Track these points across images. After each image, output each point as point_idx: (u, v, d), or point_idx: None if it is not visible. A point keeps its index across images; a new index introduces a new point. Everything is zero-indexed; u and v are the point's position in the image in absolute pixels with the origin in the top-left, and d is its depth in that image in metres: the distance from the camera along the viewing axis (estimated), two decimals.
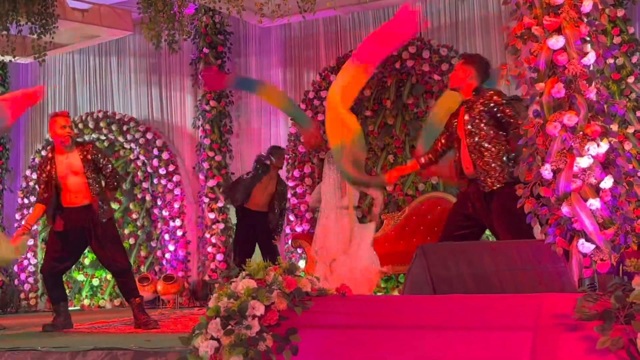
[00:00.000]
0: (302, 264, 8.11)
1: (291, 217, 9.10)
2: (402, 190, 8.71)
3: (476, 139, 4.74)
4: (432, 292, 3.15)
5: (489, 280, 3.28)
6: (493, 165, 4.67)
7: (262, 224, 8.08)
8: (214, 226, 9.30)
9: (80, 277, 10.23)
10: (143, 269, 9.83)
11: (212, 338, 2.93)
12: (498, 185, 4.63)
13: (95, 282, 10.22)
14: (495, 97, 4.74)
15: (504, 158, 4.67)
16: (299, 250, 8.63)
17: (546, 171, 3.58)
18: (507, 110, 4.68)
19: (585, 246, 3.44)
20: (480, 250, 3.48)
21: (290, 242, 8.74)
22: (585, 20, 3.69)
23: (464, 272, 3.26)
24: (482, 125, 4.73)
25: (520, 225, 4.54)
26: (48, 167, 5.80)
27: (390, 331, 2.72)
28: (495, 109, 4.70)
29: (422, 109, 8.76)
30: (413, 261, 3.40)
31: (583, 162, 3.50)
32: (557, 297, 2.58)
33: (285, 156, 8.66)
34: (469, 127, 4.80)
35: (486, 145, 4.71)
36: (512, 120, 4.66)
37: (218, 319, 2.95)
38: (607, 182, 3.49)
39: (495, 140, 4.70)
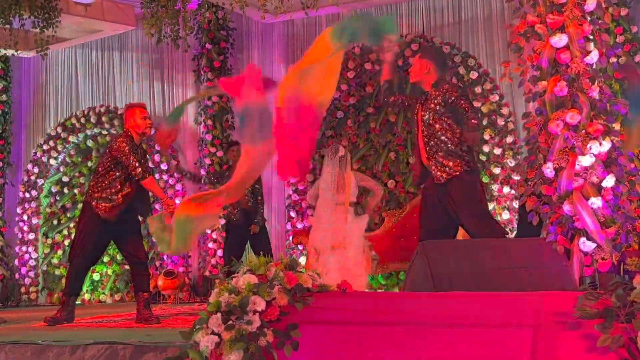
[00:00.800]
0: (302, 260, 8.11)
1: (292, 214, 9.10)
2: (404, 187, 8.71)
3: (431, 131, 4.81)
4: (432, 290, 3.15)
5: (490, 278, 3.28)
6: (448, 156, 4.74)
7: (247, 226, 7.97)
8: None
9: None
10: None
11: (213, 333, 2.93)
12: (454, 175, 4.69)
13: (96, 277, 10.22)
14: (451, 90, 4.80)
15: (459, 149, 4.74)
16: (300, 247, 8.64)
17: (548, 169, 3.59)
18: (462, 102, 4.74)
19: (586, 245, 3.45)
20: (481, 247, 3.48)
21: (291, 238, 8.75)
22: (589, 18, 3.69)
23: (464, 269, 3.26)
24: (438, 117, 4.79)
25: (483, 209, 4.67)
26: (138, 152, 5.79)
27: (391, 328, 2.72)
28: (450, 101, 4.75)
29: None
30: (414, 258, 3.40)
31: (585, 160, 3.50)
32: (557, 295, 2.58)
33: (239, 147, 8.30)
34: (425, 119, 4.85)
35: (441, 137, 4.76)
36: (467, 112, 4.72)
37: (219, 314, 2.95)
38: (609, 181, 3.49)
39: (450, 132, 4.77)
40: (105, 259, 10.05)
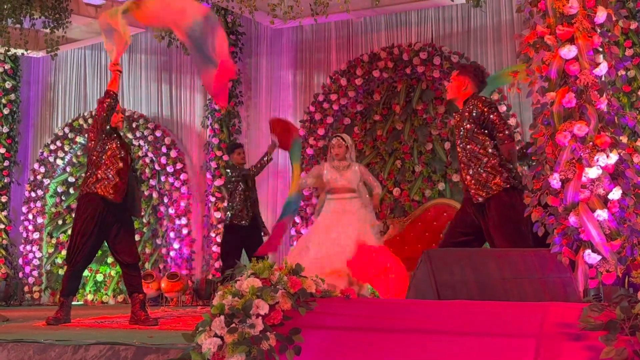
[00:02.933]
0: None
1: (297, 220, 9.10)
2: (409, 195, 8.71)
3: (467, 148, 4.71)
4: (436, 298, 3.15)
5: (494, 288, 3.27)
6: (484, 175, 4.63)
7: (249, 235, 7.99)
8: (219, 225, 9.30)
9: (84, 272, 10.24)
10: (148, 266, 9.86)
11: (216, 335, 2.93)
12: (491, 194, 4.58)
13: (99, 277, 10.24)
14: (479, 104, 4.70)
15: (496, 165, 4.63)
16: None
17: (554, 180, 3.58)
18: (491, 116, 4.65)
19: (591, 257, 3.44)
20: (486, 257, 3.48)
21: (295, 243, 8.75)
22: (599, 31, 3.69)
23: (468, 278, 3.25)
24: (472, 134, 4.70)
25: (518, 233, 4.53)
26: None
27: (394, 334, 2.72)
28: (480, 117, 4.67)
29: (431, 115, 8.76)
30: (418, 266, 3.40)
31: (592, 172, 3.49)
32: (561, 306, 2.58)
33: (244, 150, 8.30)
34: (460, 136, 4.78)
35: (477, 154, 4.67)
36: (497, 126, 4.63)
37: (222, 317, 2.96)
38: (616, 194, 3.49)
39: (484, 148, 4.66)
40: (110, 259, 10.06)
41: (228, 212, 7.94)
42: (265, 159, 8.11)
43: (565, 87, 3.64)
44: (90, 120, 10.40)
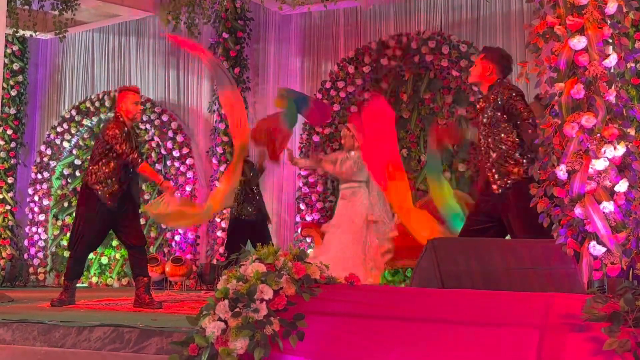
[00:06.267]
0: (310, 252, 8.12)
1: (302, 206, 9.11)
2: (415, 185, 8.71)
3: (489, 135, 4.67)
4: (440, 287, 3.15)
5: (498, 278, 3.27)
6: (505, 164, 4.61)
7: (256, 229, 8.05)
8: (224, 211, 9.31)
9: (89, 255, 10.27)
10: (152, 249, 9.89)
11: (220, 319, 2.94)
12: (511, 184, 4.56)
13: (104, 260, 10.28)
14: (505, 91, 4.63)
15: (518, 155, 4.61)
16: (308, 240, 8.65)
17: (561, 172, 3.57)
18: (517, 103, 4.58)
19: (596, 248, 3.43)
20: (491, 247, 3.47)
21: (300, 230, 8.77)
22: (609, 22, 3.66)
23: (473, 268, 3.25)
24: (495, 121, 4.66)
25: (538, 223, 4.50)
26: (131, 139, 5.81)
27: (397, 322, 2.73)
28: (506, 103, 4.60)
29: (438, 105, 8.74)
30: (422, 255, 3.40)
31: (599, 164, 3.48)
32: (566, 297, 2.58)
33: None
34: (484, 123, 4.75)
35: (499, 142, 4.64)
36: (523, 114, 4.55)
37: (226, 301, 2.96)
38: (622, 186, 3.47)
39: (507, 137, 4.62)
40: (114, 242, 10.09)
41: (233, 208, 7.99)
42: (260, 168, 8.19)
43: (574, 78, 3.62)
44: (97, 104, 10.41)
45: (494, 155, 4.65)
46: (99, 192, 5.69)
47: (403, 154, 8.82)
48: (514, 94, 4.62)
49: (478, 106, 4.92)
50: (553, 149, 3.66)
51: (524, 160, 4.58)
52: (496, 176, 4.62)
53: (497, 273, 3.28)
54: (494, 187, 4.62)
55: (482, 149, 4.74)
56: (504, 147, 4.60)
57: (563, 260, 3.51)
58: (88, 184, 5.76)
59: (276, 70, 9.95)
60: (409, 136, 8.85)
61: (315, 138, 9.13)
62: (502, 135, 4.62)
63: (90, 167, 5.79)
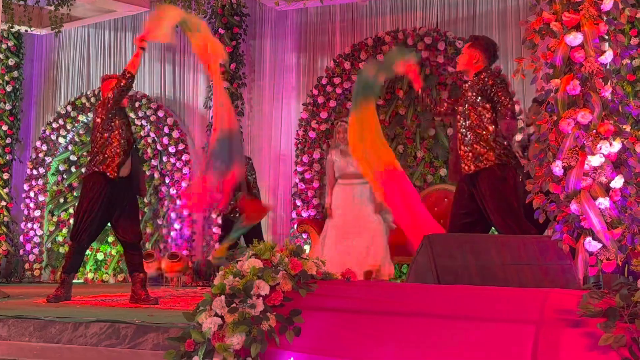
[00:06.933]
0: (307, 248, 8.13)
1: (298, 203, 9.12)
2: (411, 180, 8.71)
3: (467, 121, 4.78)
4: (436, 282, 3.16)
5: (494, 273, 3.28)
6: (478, 148, 4.72)
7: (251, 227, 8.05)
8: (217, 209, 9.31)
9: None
10: (148, 245, 9.87)
11: (216, 315, 2.95)
12: (481, 167, 4.66)
13: (100, 256, 10.27)
14: (488, 78, 4.77)
15: (492, 140, 4.71)
16: (304, 235, 8.65)
17: (557, 167, 3.58)
18: (498, 91, 4.72)
19: (592, 244, 3.44)
20: (487, 242, 3.49)
21: (296, 226, 8.77)
22: (605, 18, 3.67)
23: (469, 263, 3.26)
24: (474, 107, 4.78)
25: (509, 207, 4.60)
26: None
27: (394, 318, 2.74)
28: (490, 89, 4.74)
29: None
30: (418, 251, 3.41)
31: (594, 160, 3.49)
32: (561, 293, 2.59)
33: None
34: (463, 109, 4.83)
35: (476, 128, 4.76)
36: (503, 102, 4.69)
37: (223, 297, 2.97)
38: (618, 182, 3.48)
39: (483, 122, 4.74)
40: (110, 238, 10.08)
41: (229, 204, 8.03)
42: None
43: (570, 75, 3.63)
44: (93, 100, 10.38)
45: (469, 135, 4.73)
46: (107, 170, 5.69)
47: (399, 151, 8.83)
48: (498, 82, 4.78)
49: (462, 89, 5.00)
50: (549, 145, 3.67)
51: (496, 146, 4.71)
52: (469, 155, 4.72)
53: (493, 268, 3.29)
54: (465, 166, 4.72)
55: (460, 131, 4.82)
56: (480, 130, 4.70)
57: (559, 255, 3.52)
58: (93, 169, 5.75)
59: (272, 66, 9.94)
60: (405, 132, 8.86)
61: (312, 134, 9.12)
62: (479, 119, 4.72)
63: (91, 153, 5.81)
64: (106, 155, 5.70)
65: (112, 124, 5.76)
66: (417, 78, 5.18)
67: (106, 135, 5.73)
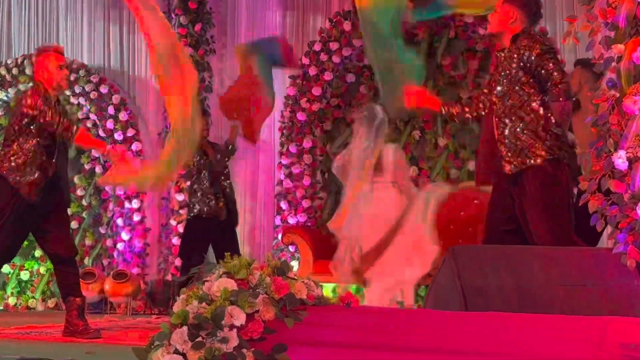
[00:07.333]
0: (294, 265, 8.14)
1: (283, 205, 9.12)
2: (429, 176, 8.73)
3: (507, 103, 4.72)
4: (462, 308, 3.17)
5: (538, 297, 3.30)
6: (523, 138, 4.65)
7: (220, 232, 8.11)
8: (181, 211, 9.30)
9: (5, 269, 10.21)
10: (88, 262, 9.86)
11: (177, 352, 2.94)
12: (528, 164, 4.62)
13: (25, 275, 10.23)
14: (533, 45, 4.67)
15: (541, 129, 4.64)
16: (292, 248, 8.65)
17: (620, 159, 3.58)
18: (547, 62, 4.64)
19: None
20: (528, 256, 3.49)
21: (280, 236, 8.77)
22: None
23: (504, 283, 3.27)
24: (517, 82, 4.70)
25: (557, 218, 4.57)
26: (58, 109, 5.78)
27: (407, 354, 2.74)
28: (534, 61, 4.65)
29: (462, 73, 8.75)
30: (440, 268, 3.41)
31: None
32: (626, 322, 2.60)
33: (209, 120, 8.64)
34: (500, 87, 4.79)
35: (518, 110, 4.68)
36: (554, 77, 4.61)
37: (185, 328, 2.97)
38: None
39: (529, 105, 4.66)
40: (38, 252, 10.04)
41: (192, 204, 8.04)
42: (230, 148, 8.23)
43: (636, 38, 3.64)
44: (15, 71, 10.34)
45: (510, 125, 4.69)
46: (16, 183, 5.67)
47: (414, 137, 8.84)
48: (544, 49, 4.67)
49: (495, 60, 4.96)
50: (609, 131, 3.68)
51: (548, 137, 4.64)
52: (510, 154, 4.68)
53: (536, 289, 3.30)
54: (507, 167, 4.69)
55: (496, 117, 4.79)
56: (526, 117, 4.65)
57: (622, 273, 3.53)
58: (0, 172, 5.73)
59: (249, 27, 9.92)
60: (422, 114, 8.85)
61: (301, 116, 9.12)
62: (524, 101, 4.68)
63: (3, 151, 5.77)
64: (15, 165, 5.69)
65: (31, 127, 5.72)
66: (430, 100, 5.19)
67: (20, 139, 5.72)
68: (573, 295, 3.36)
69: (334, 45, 9.10)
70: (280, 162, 9.24)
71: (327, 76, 9.13)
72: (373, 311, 3.60)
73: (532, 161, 4.62)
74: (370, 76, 9.11)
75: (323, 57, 9.16)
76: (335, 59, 9.13)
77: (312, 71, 9.15)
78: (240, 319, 2.97)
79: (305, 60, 9.19)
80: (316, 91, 9.14)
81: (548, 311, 3.18)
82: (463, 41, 8.79)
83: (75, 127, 5.75)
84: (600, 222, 3.72)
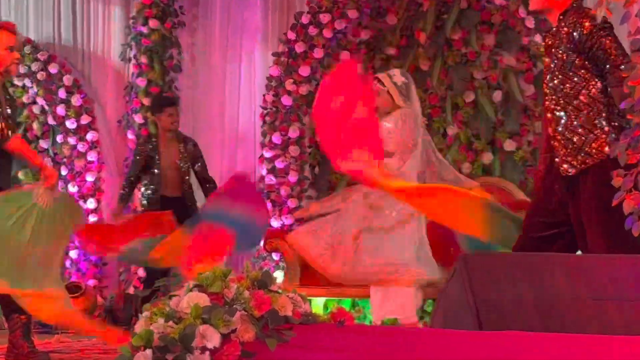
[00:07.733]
0: (279, 276, 8.14)
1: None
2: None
3: (559, 88, 4.67)
4: (475, 326, 3.18)
5: (562, 312, 3.31)
6: (582, 132, 4.62)
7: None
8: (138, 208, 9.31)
9: None
10: None
11: None
12: (590, 163, 4.57)
13: None
14: (586, 22, 4.59)
15: (603, 121, 4.64)
16: (275, 256, 8.66)
17: None
18: (605, 41, 4.57)
19: None
20: (552, 265, 3.51)
21: (262, 243, 8.78)
22: None
23: (524, 296, 3.29)
24: (569, 66, 4.65)
25: (622, 224, 4.53)
26: None
27: None
28: (587, 40, 4.61)
29: (475, 50, 8.75)
30: (450, 278, 3.43)
31: None
32: None
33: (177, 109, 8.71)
34: (551, 70, 4.74)
35: (573, 100, 4.64)
36: (613, 57, 4.53)
37: (149, 351, 2.98)
38: None
39: (586, 93, 4.64)
40: None
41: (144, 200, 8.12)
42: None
43: None
44: None
45: (564, 118, 4.67)
46: None
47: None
48: (598, 27, 4.60)
49: (544, 44, 4.92)
50: None
51: (611, 130, 4.61)
52: (566, 151, 4.64)
53: (559, 304, 3.32)
54: (564, 166, 4.65)
55: (547, 109, 4.76)
56: (584, 109, 4.62)
57: None
58: None
59: None
60: (429, 97, 8.84)
61: (286, 100, 9.11)
62: (579, 89, 4.63)
63: None
64: None
65: None
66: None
67: None
68: (605, 310, 3.37)
69: (325, 18, 9.09)
70: (262, 154, 9.23)
71: (317, 53, 9.12)
72: (370, 330, 3.61)
73: (592, 161, 4.60)
74: (368, 53, 9.12)
75: (312, 30, 9.15)
76: (327, 33, 9.13)
77: (300, 48, 9.14)
78: (213, 340, 2.98)
79: (292, 35, 9.19)
80: (304, 71, 9.13)
81: (575, 330, 3.20)
82: (476, 12, 8.79)
83: (9, 131, 5.71)
84: (637, 224, 3.74)
